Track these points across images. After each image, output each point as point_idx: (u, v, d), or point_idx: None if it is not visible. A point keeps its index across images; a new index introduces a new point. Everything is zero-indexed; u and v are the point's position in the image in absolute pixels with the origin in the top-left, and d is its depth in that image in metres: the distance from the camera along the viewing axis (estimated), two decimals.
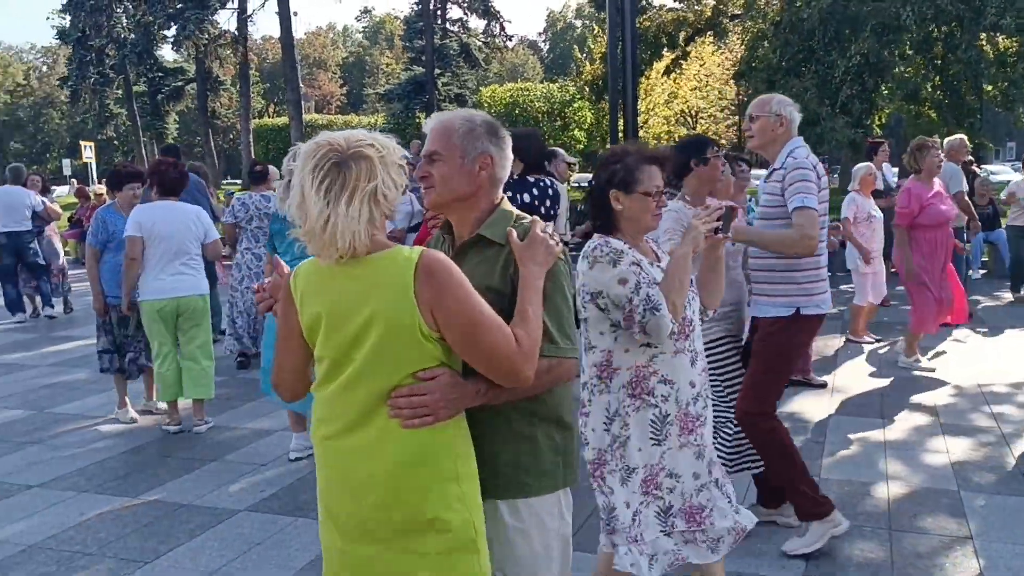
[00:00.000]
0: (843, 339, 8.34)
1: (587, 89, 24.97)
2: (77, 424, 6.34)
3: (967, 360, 7.44)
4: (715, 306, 3.01)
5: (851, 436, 5.56)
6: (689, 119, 31.43)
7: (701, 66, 29.83)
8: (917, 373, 7.08)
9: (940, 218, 6.82)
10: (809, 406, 6.24)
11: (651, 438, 2.76)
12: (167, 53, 39.35)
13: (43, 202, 11.33)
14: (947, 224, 6.93)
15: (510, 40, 32.59)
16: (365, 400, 1.99)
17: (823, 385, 6.73)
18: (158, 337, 5.94)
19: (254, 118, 38.65)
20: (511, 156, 2.30)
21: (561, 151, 7.76)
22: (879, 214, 7.97)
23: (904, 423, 5.80)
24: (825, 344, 8.12)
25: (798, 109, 3.89)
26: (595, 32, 29.42)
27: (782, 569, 3.76)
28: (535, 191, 5.14)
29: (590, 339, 2.82)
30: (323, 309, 2.01)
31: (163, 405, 6.46)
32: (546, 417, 2.24)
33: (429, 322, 1.94)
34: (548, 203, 5.20)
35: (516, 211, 2.28)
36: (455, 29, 31.51)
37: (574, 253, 2.56)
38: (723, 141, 32.76)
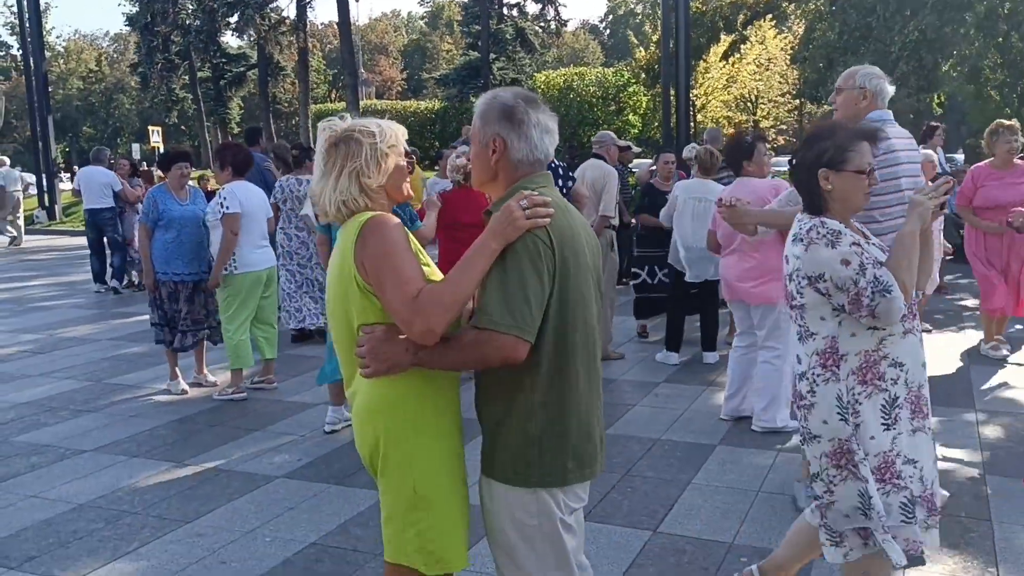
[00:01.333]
0: None
1: (642, 74, 24.77)
2: (132, 394, 6.65)
3: None
4: (924, 285, 2.85)
5: None
6: (749, 104, 30.94)
7: (764, 49, 29.33)
8: (958, 360, 6.99)
9: (993, 202, 6.66)
10: None
11: (882, 423, 2.60)
12: (232, 40, 40.25)
13: (120, 182, 12.04)
14: (1008, 209, 6.60)
15: (565, 24, 32.45)
16: (351, 357, 2.30)
17: None
18: (247, 306, 6.32)
19: (318, 103, 39.24)
20: (533, 136, 2.23)
21: (611, 135, 7.77)
22: None
23: (942, 408, 5.77)
24: None
25: (889, 81, 3.71)
26: (651, 16, 29.15)
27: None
28: None
29: (808, 326, 2.65)
30: None
31: (212, 378, 6.80)
32: (523, 407, 2.19)
33: (363, 275, 2.19)
34: (560, 183, 5.46)
35: (534, 188, 2.20)
36: (512, 14, 31.55)
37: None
38: (783, 126, 32.29)
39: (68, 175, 28.26)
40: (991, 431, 5.29)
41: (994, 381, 6.37)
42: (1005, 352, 7.02)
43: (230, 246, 6.12)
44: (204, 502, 4.51)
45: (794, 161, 2.75)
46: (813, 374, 2.63)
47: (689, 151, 9.84)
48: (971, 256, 7.01)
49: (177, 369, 6.67)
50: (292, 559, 3.84)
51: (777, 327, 5.17)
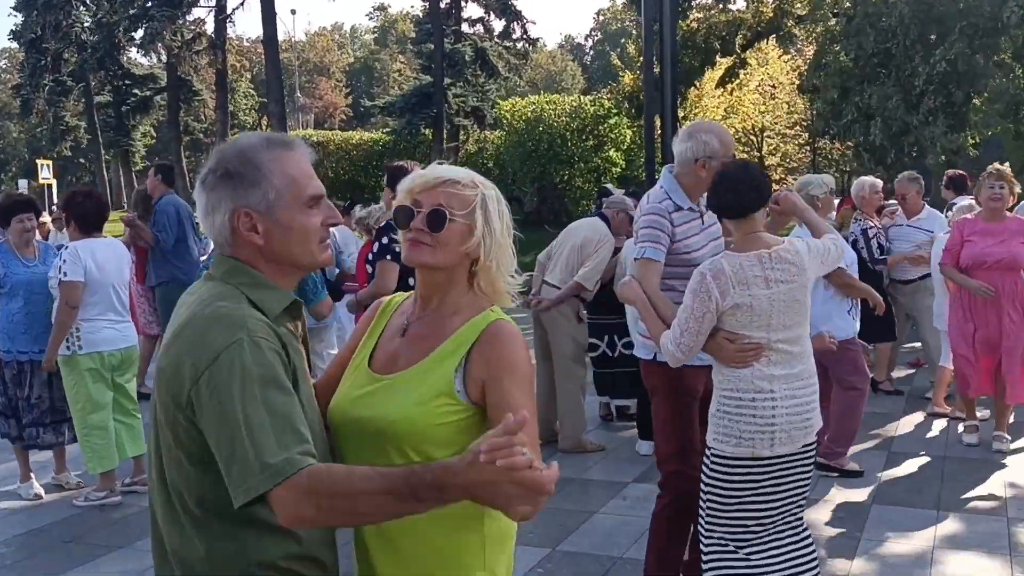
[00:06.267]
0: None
1: (625, 103, 24.95)
2: None
3: None
4: None
5: (894, 531, 5.43)
6: (753, 138, 31.26)
7: (767, 75, 29.69)
8: (992, 455, 6.91)
9: (984, 259, 6.62)
10: (846, 492, 6.12)
11: None
12: (142, 58, 40.21)
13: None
14: (1003, 268, 6.62)
15: (534, 44, 32.73)
16: None
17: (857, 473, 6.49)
18: (102, 395, 6.01)
19: (240, 130, 39.29)
20: None
21: (627, 201, 7.46)
22: None
23: (963, 517, 5.66)
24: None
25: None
26: (634, 35, 29.49)
27: None
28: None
29: None
30: None
31: (75, 478, 6.56)
32: None
33: None
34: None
35: None
36: (472, 31, 31.71)
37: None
38: (794, 164, 32.71)
39: None
40: None
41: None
42: (976, 440, 7.05)
43: (66, 321, 5.80)
44: None
45: None
46: None
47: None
48: (950, 326, 6.99)
49: (29, 469, 6.41)
50: None
51: None
